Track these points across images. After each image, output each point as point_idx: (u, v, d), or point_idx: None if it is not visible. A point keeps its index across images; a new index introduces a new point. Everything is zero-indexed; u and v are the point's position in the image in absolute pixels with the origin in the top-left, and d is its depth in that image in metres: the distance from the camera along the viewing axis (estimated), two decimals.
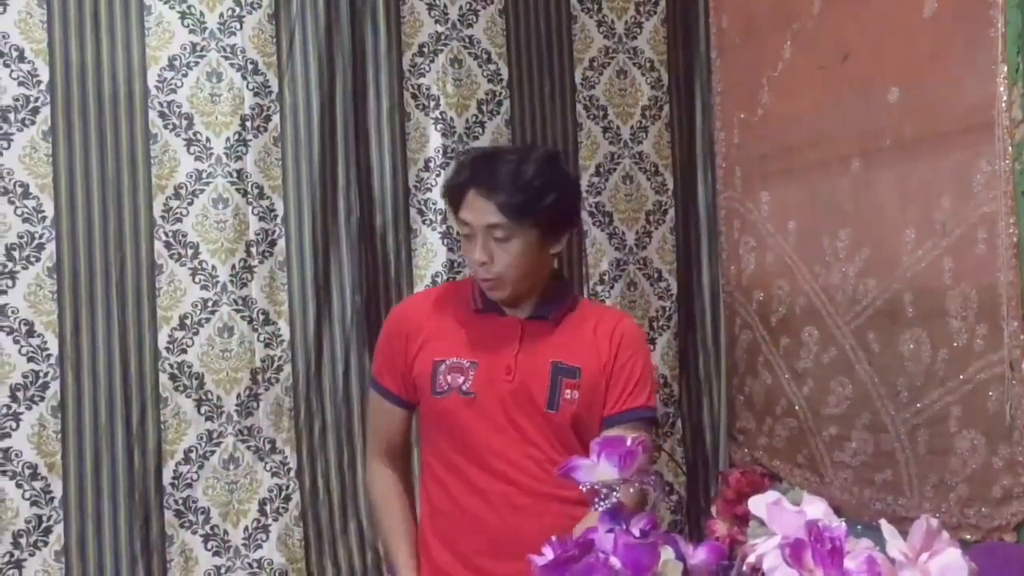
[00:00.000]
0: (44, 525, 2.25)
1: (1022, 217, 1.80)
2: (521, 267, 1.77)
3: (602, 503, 1.20)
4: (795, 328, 2.44)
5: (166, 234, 2.37)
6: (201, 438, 2.39)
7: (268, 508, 2.44)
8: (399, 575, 1.88)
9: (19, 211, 2.26)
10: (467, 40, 2.67)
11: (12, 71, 2.26)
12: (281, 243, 2.48)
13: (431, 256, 2.60)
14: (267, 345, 2.45)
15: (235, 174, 2.43)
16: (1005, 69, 1.81)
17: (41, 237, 2.27)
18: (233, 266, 2.42)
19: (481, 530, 1.79)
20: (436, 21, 2.63)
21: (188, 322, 2.38)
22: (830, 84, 2.30)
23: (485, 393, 1.80)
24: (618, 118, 2.83)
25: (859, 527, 1.09)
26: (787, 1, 2.45)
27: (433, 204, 2.59)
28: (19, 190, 2.26)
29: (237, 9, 2.43)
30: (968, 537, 1.87)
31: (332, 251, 2.51)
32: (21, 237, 2.26)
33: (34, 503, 2.25)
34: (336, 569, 2.49)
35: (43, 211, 2.27)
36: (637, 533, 1.17)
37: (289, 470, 2.46)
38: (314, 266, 2.49)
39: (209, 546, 2.39)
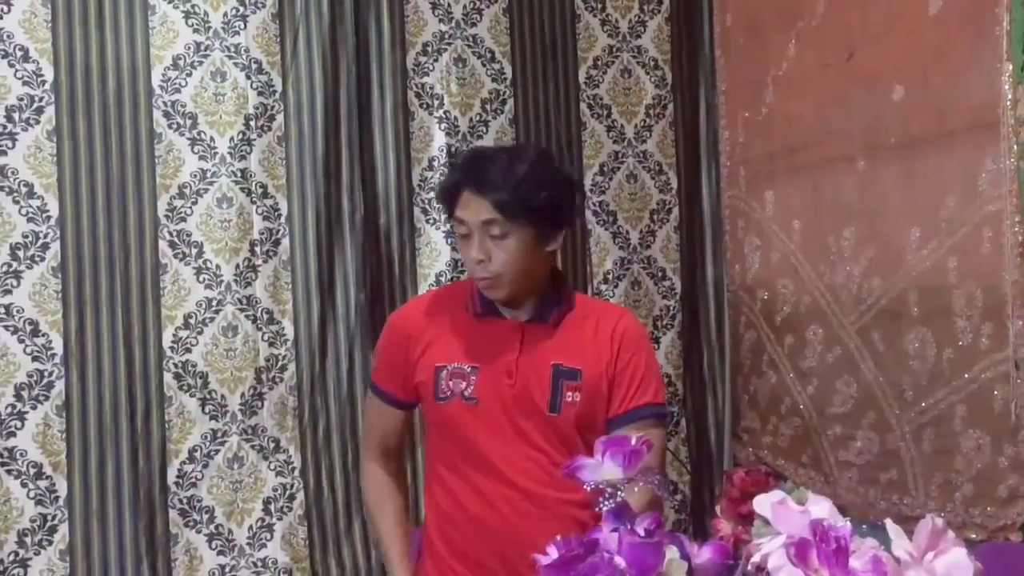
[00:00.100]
0: (49, 524, 2.26)
1: None
2: (518, 265, 1.76)
3: (607, 503, 1.20)
4: (800, 327, 2.43)
5: (170, 233, 2.38)
6: (205, 437, 2.39)
7: (272, 507, 2.44)
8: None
9: (24, 211, 2.26)
10: (471, 39, 2.66)
11: (17, 71, 2.26)
12: (285, 242, 2.48)
13: (435, 255, 2.60)
14: (271, 344, 2.46)
15: (239, 173, 2.43)
16: (1010, 67, 1.81)
17: (46, 236, 2.28)
18: (237, 265, 2.42)
19: (488, 536, 1.79)
20: (440, 20, 2.63)
21: (192, 321, 2.38)
22: (835, 82, 2.29)
23: (487, 398, 1.79)
24: (622, 117, 2.82)
25: (864, 526, 1.09)
26: None
27: (437, 203, 2.59)
28: (24, 189, 2.26)
29: (241, 8, 2.43)
30: (973, 537, 1.87)
31: (336, 250, 2.51)
32: (26, 236, 2.26)
33: (39, 502, 2.25)
34: (340, 568, 2.49)
35: (48, 210, 2.28)
36: (642, 532, 1.16)
37: (293, 469, 2.46)
38: (318, 265, 2.49)
39: (213, 545, 2.39)
